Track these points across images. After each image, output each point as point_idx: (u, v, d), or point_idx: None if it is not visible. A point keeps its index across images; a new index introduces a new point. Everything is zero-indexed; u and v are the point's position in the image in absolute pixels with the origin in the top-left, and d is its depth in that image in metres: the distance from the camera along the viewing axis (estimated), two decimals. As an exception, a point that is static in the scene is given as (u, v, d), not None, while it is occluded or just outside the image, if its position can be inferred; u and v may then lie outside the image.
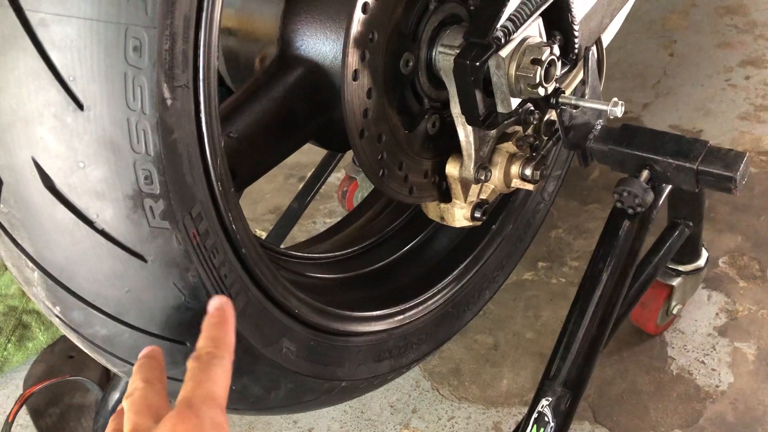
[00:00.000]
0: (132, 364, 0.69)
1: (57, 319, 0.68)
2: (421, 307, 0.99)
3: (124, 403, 0.59)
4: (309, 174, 1.62)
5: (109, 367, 0.73)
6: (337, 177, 1.74)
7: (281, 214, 1.57)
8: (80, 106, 0.55)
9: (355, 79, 0.76)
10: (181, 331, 0.67)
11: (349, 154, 1.67)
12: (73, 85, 0.54)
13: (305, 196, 1.50)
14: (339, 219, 1.80)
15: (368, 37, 0.76)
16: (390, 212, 1.14)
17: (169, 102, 0.57)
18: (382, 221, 1.12)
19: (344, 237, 1.10)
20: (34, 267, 0.62)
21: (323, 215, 1.76)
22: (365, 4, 0.74)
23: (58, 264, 0.62)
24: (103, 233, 0.59)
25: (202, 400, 0.56)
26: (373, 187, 1.62)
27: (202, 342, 0.62)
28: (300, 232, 1.67)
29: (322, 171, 1.53)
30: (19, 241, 0.61)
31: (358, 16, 0.74)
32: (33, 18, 0.53)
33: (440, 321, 1.03)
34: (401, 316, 0.96)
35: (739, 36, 1.99)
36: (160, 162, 0.58)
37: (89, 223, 0.59)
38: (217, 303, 0.65)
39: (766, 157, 1.60)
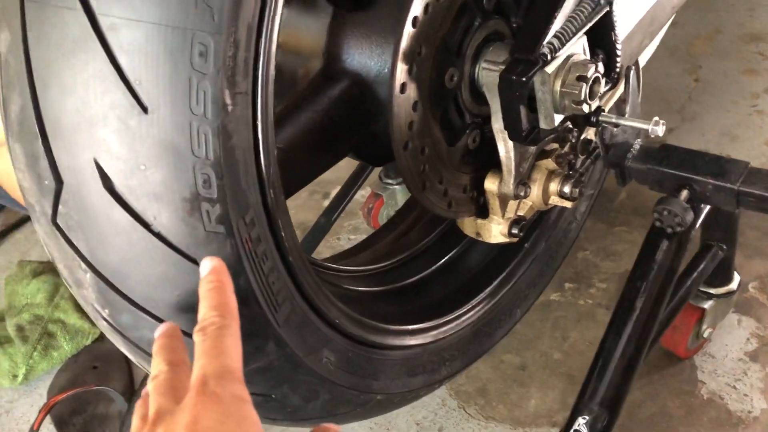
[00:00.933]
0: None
1: (104, 322, 0.68)
2: (454, 323, 0.99)
3: (149, 386, 0.58)
4: (333, 191, 1.63)
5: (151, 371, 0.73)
6: (361, 194, 1.75)
7: (307, 230, 1.58)
8: (144, 109, 0.56)
9: (402, 91, 0.77)
10: (227, 336, 0.67)
11: (376, 172, 1.69)
12: (138, 88, 0.55)
13: (333, 212, 1.51)
14: (363, 236, 1.80)
15: (416, 51, 0.77)
16: (422, 227, 1.14)
17: (230, 108, 0.58)
18: (415, 236, 1.12)
19: (377, 251, 1.11)
20: (87, 268, 0.63)
21: (347, 231, 1.76)
22: (415, 18, 0.75)
23: (112, 266, 0.62)
24: (159, 236, 0.60)
25: (219, 375, 0.54)
26: (398, 204, 1.63)
27: (204, 311, 0.58)
28: (324, 248, 1.67)
29: (349, 187, 1.53)
30: (75, 242, 0.62)
31: (408, 30, 0.75)
32: (104, 22, 0.54)
33: (473, 338, 1.03)
34: (435, 332, 0.96)
35: (764, 63, 1.99)
36: (219, 166, 0.59)
37: (146, 225, 0.59)
38: (210, 266, 0.61)
39: (794, 184, 1.60)
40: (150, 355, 0.69)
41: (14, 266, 1.63)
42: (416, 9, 0.75)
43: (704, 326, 1.21)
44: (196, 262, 0.62)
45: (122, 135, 0.56)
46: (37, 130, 0.57)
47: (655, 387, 1.22)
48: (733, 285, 1.20)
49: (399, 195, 1.63)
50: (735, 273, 1.21)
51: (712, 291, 1.19)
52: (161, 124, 0.56)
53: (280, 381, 0.74)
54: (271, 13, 0.60)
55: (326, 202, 1.64)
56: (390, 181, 1.61)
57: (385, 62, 0.80)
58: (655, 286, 0.90)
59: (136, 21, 0.54)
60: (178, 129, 0.57)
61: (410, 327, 0.92)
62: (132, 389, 1.42)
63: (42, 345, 1.48)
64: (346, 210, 1.72)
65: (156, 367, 0.58)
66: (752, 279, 1.38)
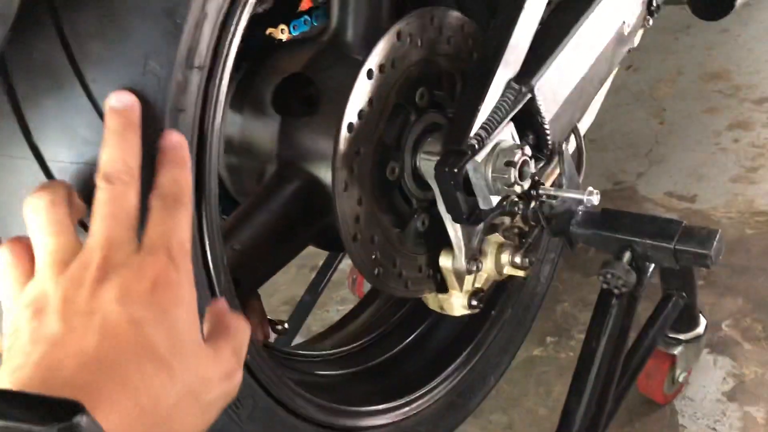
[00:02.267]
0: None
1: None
2: (427, 397, 1.03)
3: (100, 187, 0.55)
4: (320, 262, 1.68)
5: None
6: (348, 263, 1.80)
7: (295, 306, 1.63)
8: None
9: (345, 190, 0.83)
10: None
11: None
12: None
13: (316, 288, 1.56)
14: (351, 306, 1.85)
15: (354, 152, 0.83)
16: (392, 305, 1.19)
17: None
18: (385, 313, 1.17)
19: (350, 331, 1.16)
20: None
21: (336, 303, 1.81)
22: (350, 124, 0.82)
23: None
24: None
25: (174, 243, 0.54)
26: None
27: (165, 179, 0.57)
28: (315, 321, 1.71)
29: (330, 262, 1.59)
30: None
31: (344, 135, 0.81)
32: (53, 167, 0.61)
33: (447, 409, 1.06)
34: (407, 408, 1.00)
35: (725, 100, 2.06)
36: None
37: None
38: (172, 140, 0.59)
39: (762, 218, 1.64)
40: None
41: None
42: (351, 115, 0.82)
43: (678, 371, 1.24)
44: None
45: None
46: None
47: (637, 436, 1.25)
48: (700, 329, 1.24)
49: (380, 264, 1.68)
50: (701, 317, 1.24)
51: (681, 337, 1.22)
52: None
53: (251, 475, 0.78)
54: (209, 149, 0.67)
55: (314, 275, 1.69)
56: (370, 251, 1.67)
57: (329, 163, 0.87)
58: (609, 344, 0.94)
59: (83, 164, 0.61)
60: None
61: (380, 407, 0.96)
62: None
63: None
64: (334, 281, 1.77)
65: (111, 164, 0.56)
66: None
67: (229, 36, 0.67)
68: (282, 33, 1.14)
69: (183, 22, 0.61)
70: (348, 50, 0.95)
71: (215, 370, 0.54)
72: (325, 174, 0.89)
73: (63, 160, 0.61)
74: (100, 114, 0.60)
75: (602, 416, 0.94)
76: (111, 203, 0.55)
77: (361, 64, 0.83)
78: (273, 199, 0.90)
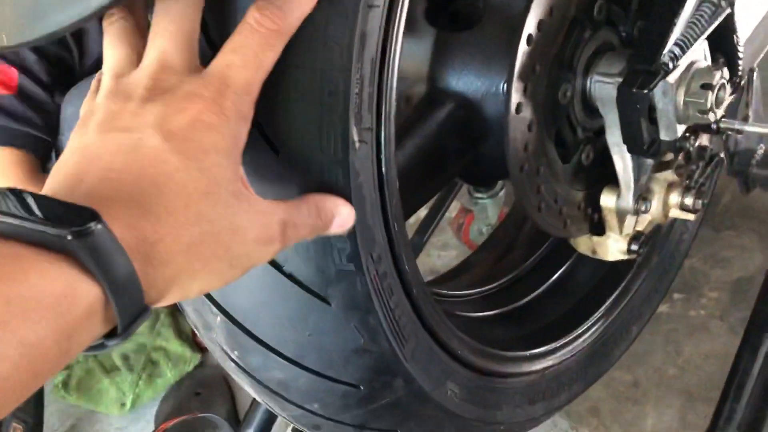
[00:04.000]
0: (305, 409, 0.69)
1: (232, 364, 0.68)
2: (572, 345, 0.95)
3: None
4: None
5: (278, 412, 0.72)
6: (452, 209, 1.72)
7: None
8: (276, 152, 0.55)
9: (518, 112, 0.75)
10: (357, 375, 0.66)
11: (464, 186, 1.66)
12: (268, 130, 0.55)
13: (425, 230, 1.49)
14: (453, 252, 1.77)
15: (531, 69, 0.74)
16: (525, 245, 1.11)
17: (357, 145, 0.57)
18: (519, 255, 1.09)
19: (481, 272, 1.08)
20: (218, 312, 0.63)
21: (437, 248, 1.74)
22: (529, 36, 0.72)
23: (243, 309, 0.62)
24: (290, 277, 0.59)
25: (238, 80, 0.48)
26: (489, 219, 1.60)
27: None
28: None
29: (440, 204, 1.51)
30: (207, 287, 0.62)
31: (523, 49, 0.72)
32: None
33: (590, 359, 0.99)
34: (554, 355, 0.92)
35: None
36: (349, 205, 0.58)
37: (278, 267, 0.59)
38: None
39: None
40: (278, 395, 0.68)
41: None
42: (530, 26, 0.72)
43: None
44: (326, 301, 0.61)
45: (252, 177, 0.56)
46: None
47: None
48: None
49: (490, 209, 1.60)
50: None
51: None
52: (292, 165, 0.55)
53: (407, 416, 0.72)
54: (393, 46, 0.59)
55: (414, 220, 1.63)
56: (480, 195, 1.58)
57: (494, 82, 0.78)
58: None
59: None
60: (309, 169, 0.56)
61: (528, 352, 0.88)
62: (235, 415, 1.44)
63: (147, 373, 1.52)
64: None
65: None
66: None
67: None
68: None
69: None
70: (509, -42, 0.85)
71: (251, 227, 0.48)
72: (483, 96, 0.80)
73: None
74: None
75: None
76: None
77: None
78: (425, 123, 0.82)
